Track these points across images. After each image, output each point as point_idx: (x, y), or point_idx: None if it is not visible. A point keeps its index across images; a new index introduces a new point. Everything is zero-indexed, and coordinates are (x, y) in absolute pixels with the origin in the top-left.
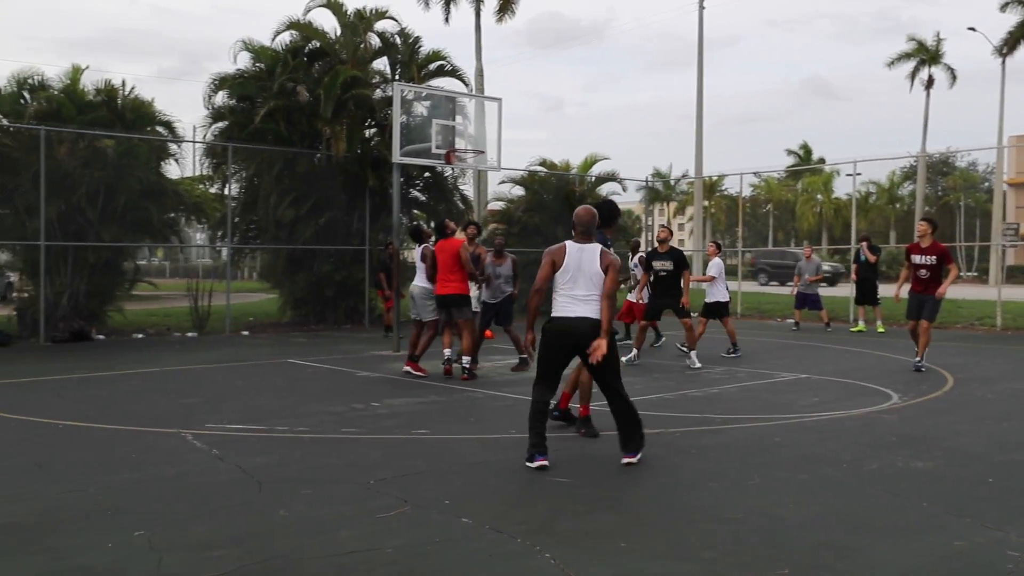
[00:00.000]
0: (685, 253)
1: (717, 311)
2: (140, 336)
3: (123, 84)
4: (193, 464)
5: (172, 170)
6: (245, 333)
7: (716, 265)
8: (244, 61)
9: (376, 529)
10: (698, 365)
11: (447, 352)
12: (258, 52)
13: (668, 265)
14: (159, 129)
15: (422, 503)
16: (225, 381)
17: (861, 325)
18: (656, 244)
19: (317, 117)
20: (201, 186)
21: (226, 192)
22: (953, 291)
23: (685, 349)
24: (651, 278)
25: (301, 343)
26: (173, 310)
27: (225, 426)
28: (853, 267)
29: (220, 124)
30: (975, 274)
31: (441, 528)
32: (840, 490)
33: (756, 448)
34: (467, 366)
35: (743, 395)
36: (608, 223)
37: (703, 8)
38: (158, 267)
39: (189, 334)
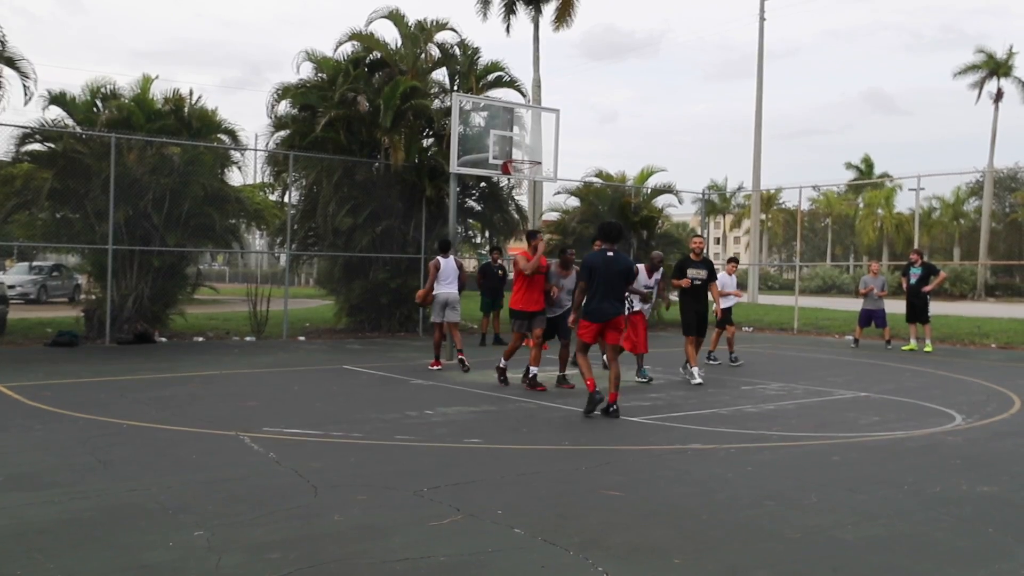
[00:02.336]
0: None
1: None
2: (200, 339)
3: (190, 93)
4: (251, 467)
5: (235, 177)
6: (301, 339)
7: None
8: (306, 71)
9: (429, 537)
10: (698, 380)
11: (535, 369)
12: (320, 63)
13: (703, 274)
14: (223, 137)
15: (475, 512)
16: (282, 385)
17: (912, 344)
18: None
19: (376, 127)
20: (262, 193)
21: (286, 199)
22: (1018, 310)
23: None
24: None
25: (356, 350)
26: (232, 314)
27: (282, 430)
28: (903, 281)
29: (282, 133)
30: None
31: (494, 538)
32: (902, 512)
33: (814, 466)
34: (501, 366)
35: (800, 412)
36: (611, 239)
37: (763, 19)
38: (218, 272)
39: (247, 338)
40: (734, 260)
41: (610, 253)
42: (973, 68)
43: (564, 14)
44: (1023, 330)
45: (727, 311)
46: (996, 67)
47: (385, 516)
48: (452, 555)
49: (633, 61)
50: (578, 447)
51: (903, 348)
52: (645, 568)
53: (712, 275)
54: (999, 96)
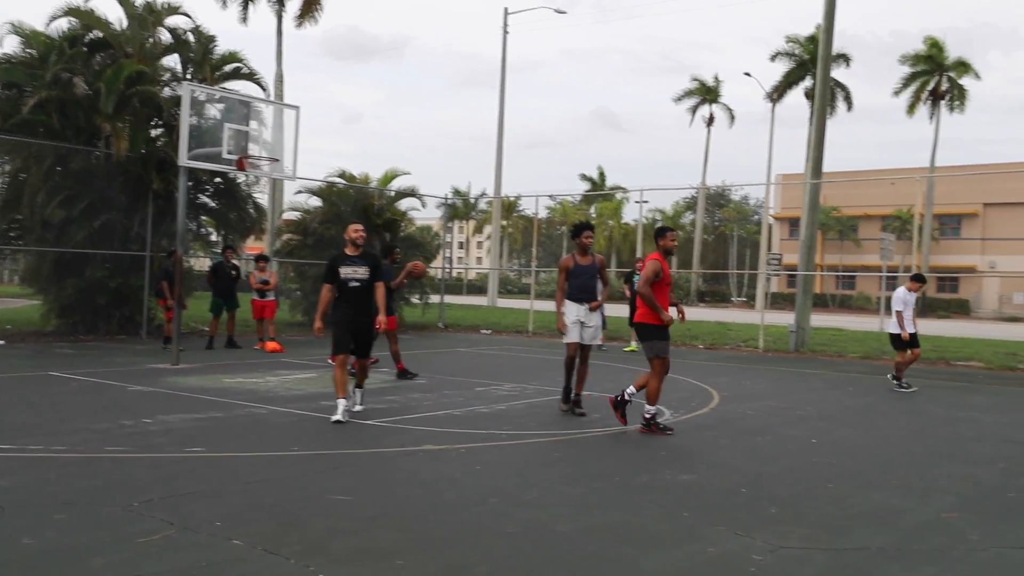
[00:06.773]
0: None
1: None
2: None
3: None
4: None
5: None
6: (1, 342)
7: (899, 298)
8: (13, 45)
9: (135, 555)
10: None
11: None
12: (29, 37)
13: (362, 272)
14: None
15: (190, 525)
16: None
17: (634, 345)
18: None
19: (96, 112)
20: None
21: None
22: (723, 315)
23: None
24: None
25: (67, 354)
26: None
27: None
28: (625, 288)
29: None
30: (744, 299)
31: (209, 551)
32: (612, 503)
33: (537, 463)
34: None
35: (529, 412)
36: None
37: (507, 33)
38: None
39: None
40: (918, 278)
41: None
42: (689, 94)
43: (309, 9)
44: (726, 332)
45: (912, 334)
46: (708, 93)
47: (86, 535)
48: (160, 572)
49: (378, 64)
50: (308, 452)
51: (625, 349)
52: (368, 571)
53: (378, 274)
54: (711, 120)
